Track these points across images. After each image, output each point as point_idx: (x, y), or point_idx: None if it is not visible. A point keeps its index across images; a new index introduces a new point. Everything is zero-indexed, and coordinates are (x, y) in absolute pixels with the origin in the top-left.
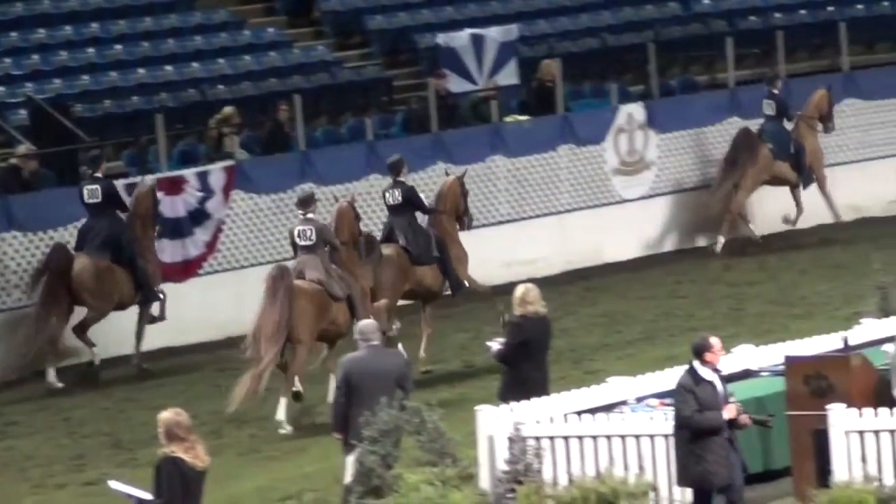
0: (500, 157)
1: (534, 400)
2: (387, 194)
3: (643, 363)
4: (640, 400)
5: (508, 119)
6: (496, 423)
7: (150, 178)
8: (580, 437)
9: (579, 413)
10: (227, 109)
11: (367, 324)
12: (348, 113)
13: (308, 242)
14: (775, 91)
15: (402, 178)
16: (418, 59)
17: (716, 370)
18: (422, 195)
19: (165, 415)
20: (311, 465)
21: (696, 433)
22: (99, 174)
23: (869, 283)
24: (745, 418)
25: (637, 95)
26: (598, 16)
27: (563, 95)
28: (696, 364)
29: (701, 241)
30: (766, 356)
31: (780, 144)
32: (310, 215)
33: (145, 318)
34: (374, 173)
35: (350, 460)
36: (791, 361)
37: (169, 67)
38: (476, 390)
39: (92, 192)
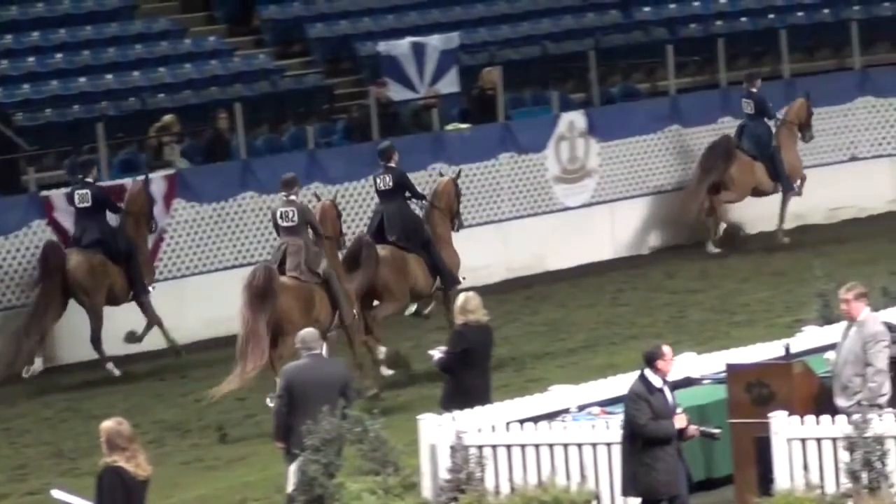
0: (442, 165)
1: (476, 408)
2: (377, 180)
3: (585, 371)
4: (582, 408)
5: (449, 127)
6: (438, 432)
7: (142, 177)
8: (522, 446)
9: (521, 421)
10: (167, 118)
11: (308, 332)
12: (289, 121)
13: (290, 223)
14: (754, 90)
15: (392, 164)
16: (359, 68)
17: (665, 379)
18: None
19: (107, 424)
20: (254, 474)
21: (647, 442)
22: (90, 179)
23: (810, 291)
24: (693, 429)
25: (578, 103)
26: (539, 24)
27: (504, 103)
28: (648, 372)
29: (643, 249)
30: (708, 364)
31: (760, 143)
32: (292, 197)
33: (149, 310)
34: (315, 181)
35: (292, 469)
36: (733, 369)
37: (110, 76)
38: (418, 399)
39: (83, 197)
